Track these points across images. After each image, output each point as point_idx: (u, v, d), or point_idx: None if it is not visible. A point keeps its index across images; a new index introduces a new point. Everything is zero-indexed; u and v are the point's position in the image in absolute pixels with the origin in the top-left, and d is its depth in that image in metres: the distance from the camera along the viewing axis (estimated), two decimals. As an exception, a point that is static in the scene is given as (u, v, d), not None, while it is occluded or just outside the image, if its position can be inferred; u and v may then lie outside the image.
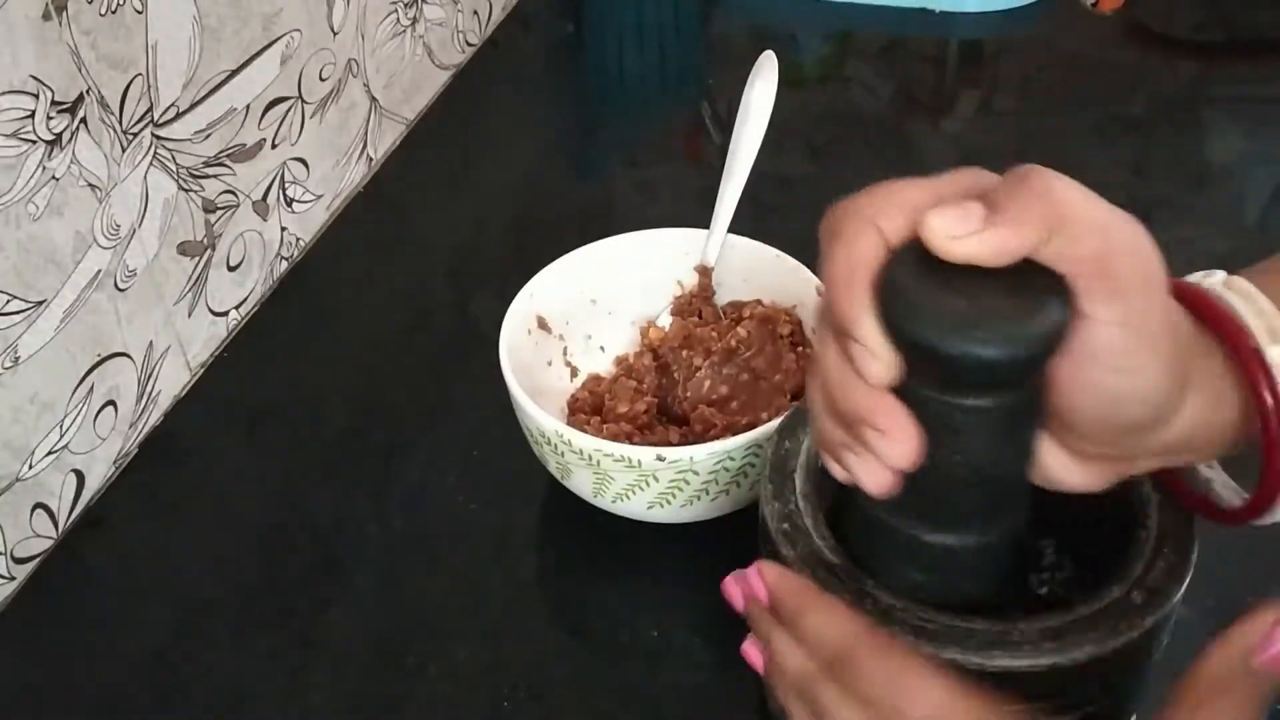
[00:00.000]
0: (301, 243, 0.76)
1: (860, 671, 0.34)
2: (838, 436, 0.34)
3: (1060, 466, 0.35)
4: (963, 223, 0.30)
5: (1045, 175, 0.31)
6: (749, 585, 0.39)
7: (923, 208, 0.31)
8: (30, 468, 0.57)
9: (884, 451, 0.32)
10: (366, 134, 0.81)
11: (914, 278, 0.31)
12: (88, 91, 0.55)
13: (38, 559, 0.58)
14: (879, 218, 0.32)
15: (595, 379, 0.62)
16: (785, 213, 0.76)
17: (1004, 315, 0.30)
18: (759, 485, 0.53)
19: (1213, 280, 0.36)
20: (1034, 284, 0.30)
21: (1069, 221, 0.30)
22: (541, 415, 0.52)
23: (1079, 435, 0.34)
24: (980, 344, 0.30)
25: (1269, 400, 0.34)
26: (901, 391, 0.32)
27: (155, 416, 0.65)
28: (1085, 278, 0.30)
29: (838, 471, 0.35)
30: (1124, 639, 0.35)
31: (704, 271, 0.62)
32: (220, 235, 0.67)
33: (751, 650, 0.40)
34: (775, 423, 0.51)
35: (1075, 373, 0.32)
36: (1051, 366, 0.32)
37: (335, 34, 0.74)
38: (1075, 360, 0.32)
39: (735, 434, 0.52)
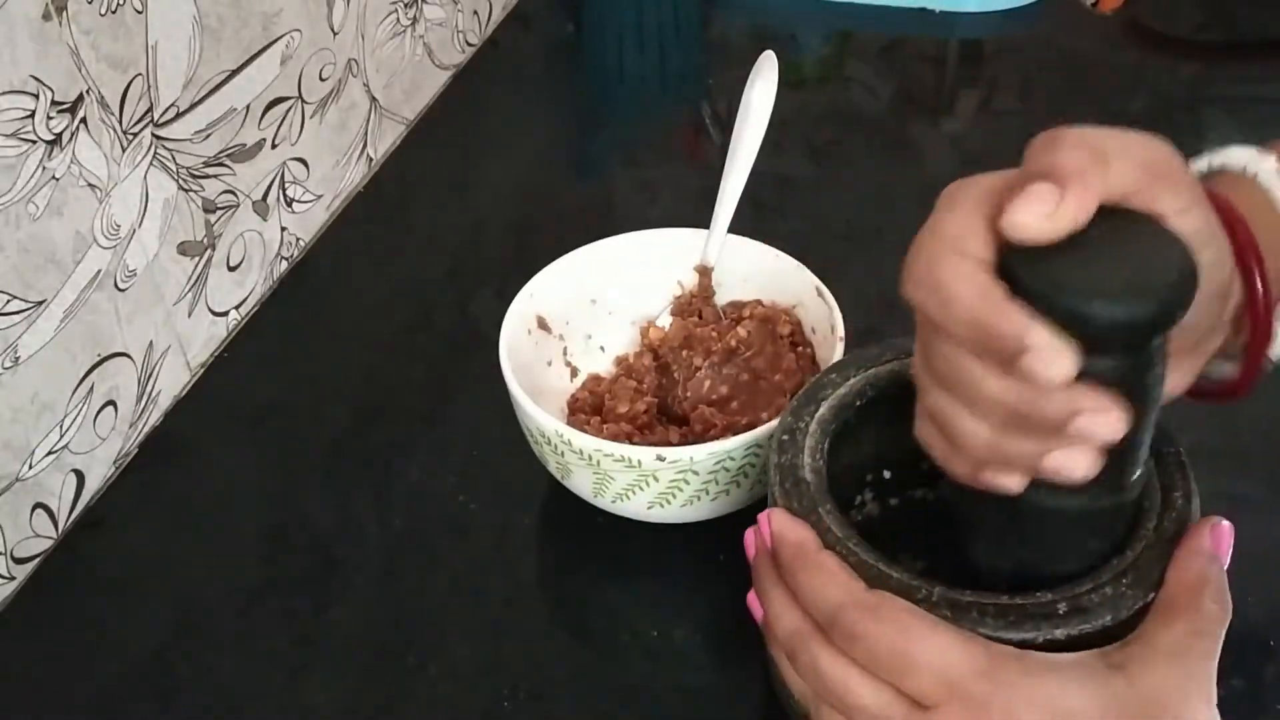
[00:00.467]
0: (301, 243, 0.76)
1: (858, 635, 0.35)
2: (1033, 448, 0.34)
3: None
4: (1041, 202, 0.31)
5: (1062, 130, 0.33)
6: (759, 532, 0.40)
7: (991, 216, 0.32)
8: (30, 468, 0.57)
9: (1101, 429, 0.32)
10: (366, 134, 0.81)
11: (1043, 267, 0.31)
12: (88, 91, 0.55)
13: (38, 559, 0.58)
14: (962, 246, 0.33)
15: (595, 379, 0.62)
16: (785, 213, 0.77)
17: (1153, 264, 0.32)
18: (760, 484, 0.53)
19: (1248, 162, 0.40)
20: (1132, 224, 0.32)
21: (1109, 151, 0.32)
22: (541, 415, 0.52)
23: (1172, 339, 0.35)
24: (1140, 301, 0.31)
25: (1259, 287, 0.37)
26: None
27: (155, 416, 0.65)
28: (1146, 187, 0.32)
29: (1012, 483, 0.35)
30: (1023, 636, 0.35)
31: (704, 271, 0.62)
32: (220, 235, 0.67)
33: (754, 601, 0.41)
34: (775, 422, 0.51)
35: None
36: None
37: (335, 34, 0.74)
38: None
39: (735, 434, 0.52)
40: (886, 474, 0.48)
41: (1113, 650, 0.35)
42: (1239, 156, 0.40)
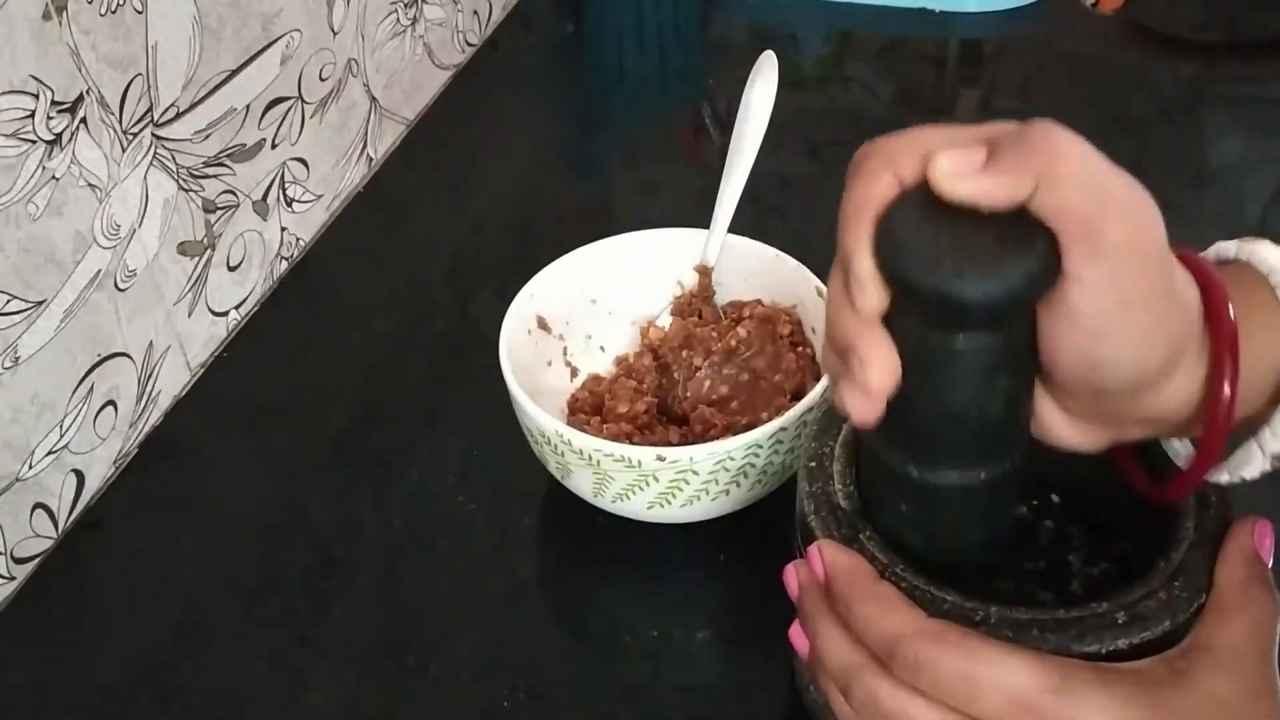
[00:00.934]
0: (301, 243, 0.76)
1: (922, 663, 0.34)
2: (834, 365, 0.35)
3: (1053, 421, 0.36)
4: (963, 164, 0.31)
5: (1050, 129, 0.31)
6: (808, 564, 0.39)
7: (938, 150, 0.32)
8: (30, 468, 0.57)
9: (863, 377, 0.33)
10: (366, 134, 0.81)
11: (911, 216, 0.32)
12: (88, 91, 0.55)
13: (38, 559, 0.58)
14: (896, 157, 0.33)
15: (595, 379, 0.62)
16: (785, 213, 0.77)
17: (981, 256, 0.31)
18: (760, 484, 0.53)
19: (1255, 247, 0.36)
20: (1023, 233, 0.31)
21: (1061, 176, 0.30)
22: (541, 415, 0.52)
23: (1064, 392, 0.35)
24: (952, 280, 0.31)
25: (1227, 366, 0.33)
26: (890, 324, 0.33)
27: (155, 416, 0.65)
28: (1069, 234, 0.30)
29: (834, 400, 0.36)
30: (1086, 650, 0.35)
31: (704, 271, 0.62)
32: (220, 235, 0.67)
33: (797, 635, 0.40)
34: (781, 419, 0.51)
35: (1055, 329, 0.32)
36: (1040, 319, 0.33)
37: (335, 34, 0.74)
38: (1055, 317, 0.32)
39: (735, 434, 0.52)
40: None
41: (1174, 657, 0.35)
42: (1268, 258, 0.36)
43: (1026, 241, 0.31)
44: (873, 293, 0.33)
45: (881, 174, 0.33)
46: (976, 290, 0.31)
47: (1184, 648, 0.35)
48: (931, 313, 0.32)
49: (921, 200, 0.32)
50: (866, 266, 0.32)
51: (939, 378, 0.34)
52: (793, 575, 0.40)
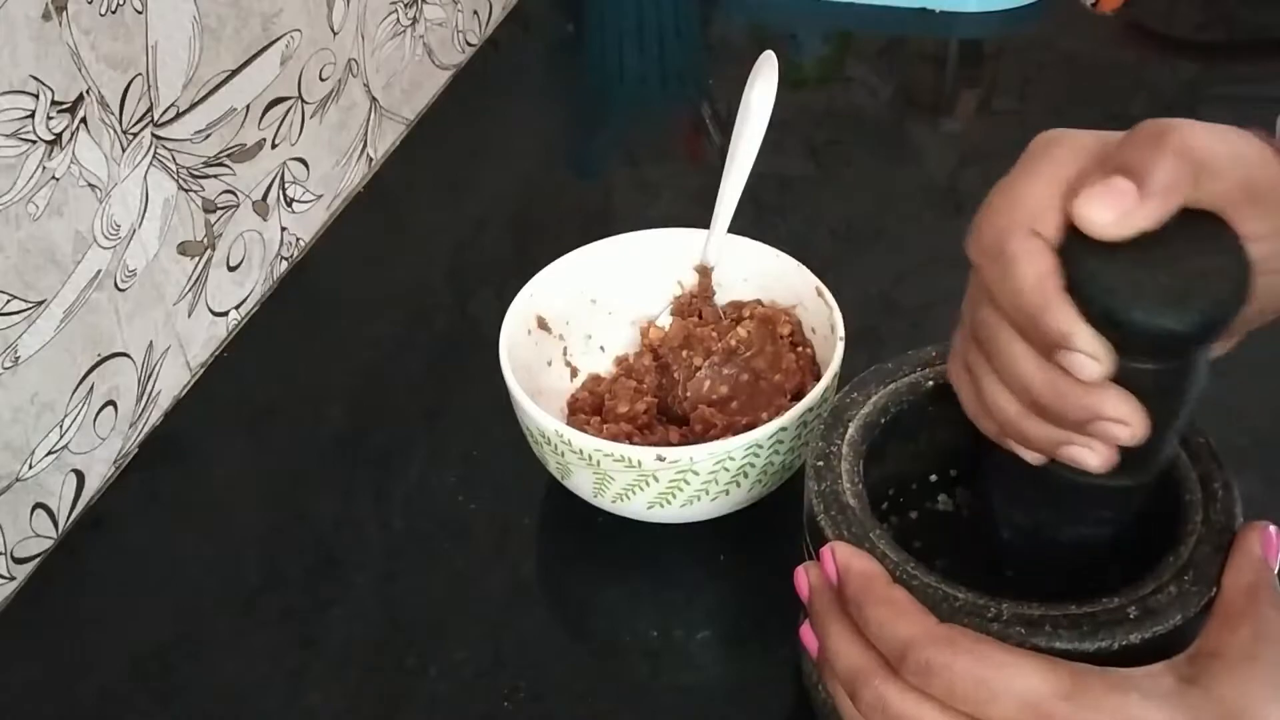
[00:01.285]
0: (301, 243, 0.76)
1: (934, 668, 0.34)
2: (1053, 435, 0.35)
3: None
4: (1117, 203, 0.31)
5: (1176, 128, 0.32)
6: (821, 566, 0.39)
7: (1068, 196, 0.32)
8: (30, 468, 0.57)
9: (1117, 436, 0.34)
10: (366, 134, 0.81)
11: (1097, 264, 0.31)
12: (88, 91, 0.55)
13: (38, 559, 0.58)
14: (1036, 224, 0.33)
15: (595, 379, 0.62)
16: (785, 213, 0.77)
17: (1206, 275, 0.31)
18: (760, 484, 0.53)
19: None
20: (1203, 231, 0.32)
21: (1210, 165, 0.31)
22: (541, 415, 0.52)
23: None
24: (1199, 310, 0.31)
25: None
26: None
27: (155, 416, 0.65)
28: (1236, 206, 0.32)
29: (1031, 457, 0.37)
30: (1099, 646, 0.35)
31: (704, 271, 0.62)
32: (220, 235, 0.67)
33: (808, 635, 0.40)
34: (781, 419, 0.51)
35: None
36: None
37: (335, 34, 0.74)
38: None
39: (735, 434, 0.52)
40: (914, 486, 0.48)
41: (1182, 663, 0.35)
42: None
43: (1217, 239, 0.32)
44: (1107, 359, 0.32)
45: (1033, 245, 0.32)
46: (1218, 311, 0.31)
47: (1192, 654, 0.35)
48: (1163, 345, 0.32)
49: (1089, 248, 0.31)
50: (1089, 338, 0.32)
51: (1170, 398, 0.34)
52: (803, 576, 0.40)
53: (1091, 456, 0.35)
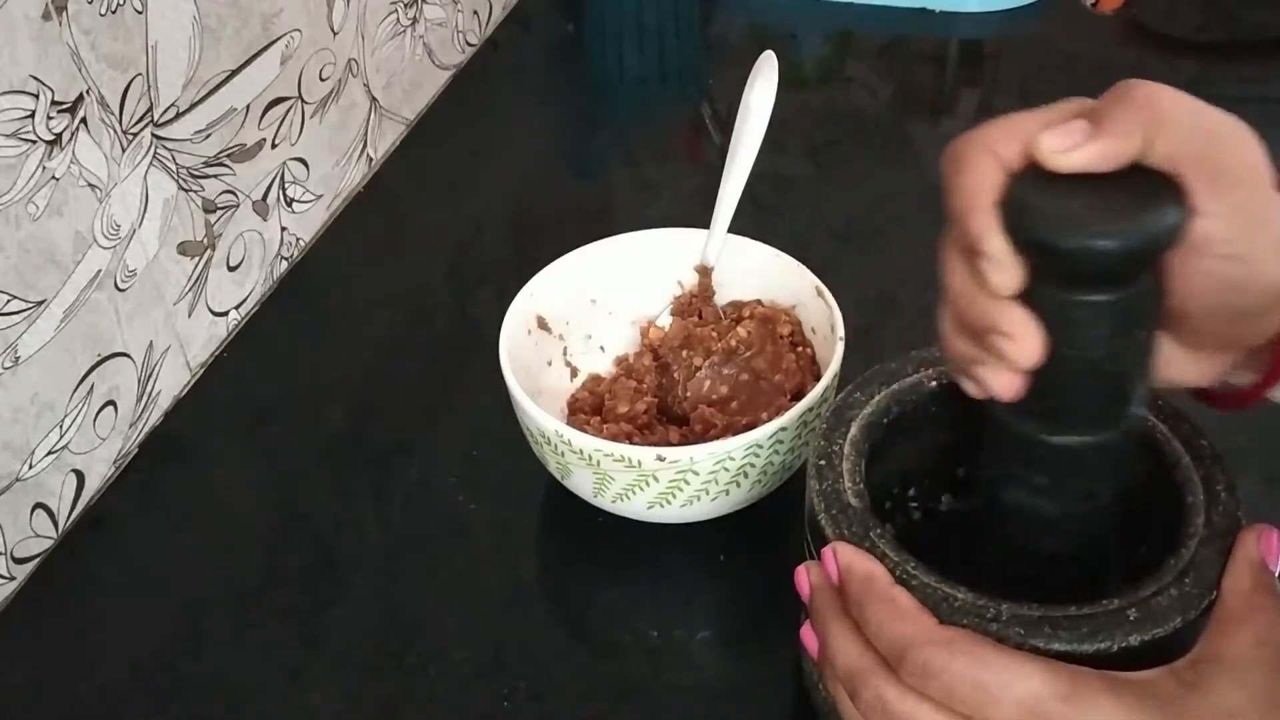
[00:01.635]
0: (301, 243, 0.76)
1: (932, 670, 0.34)
2: (968, 352, 0.36)
3: (1175, 361, 0.37)
4: (1070, 136, 0.33)
5: (1146, 85, 0.33)
6: (822, 566, 0.39)
7: (1035, 131, 0.33)
8: (30, 468, 0.57)
9: (1010, 353, 0.34)
10: (366, 134, 0.81)
11: (1033, 190, 0.33)
12: (88, 91, 0.55)
13: (38, 559, 0.58)
14: (996, 145, 0.34)
15: (595, 379, 0.62)
16: (785, 213, 0.77)
17: (1118, 211, 0.32)
18: (760, 484, 0.53)
19: None
20: (1148, 185, 0.33)
21: (1171, 124, 0.33)
22: (541, 415, 0.52)
23: (1194, 326, 0.36)
24: (1097, 237, 0.32)
25: None
26: (1024, 297, 0.34)
27: (155, 416, 0.65)
28: (1193, 174, 0.32)
29: (970, 387, 0.37)
30: (1097, 647, 0.35)
31: (704, 271, 0.62)
32: (220, 235, 0.67)
33: (808, 635, 0.40)
34: (781, 419, 0.51)
35: (1191, 264, 0.34)
36: (1167, 260, 0.34)
37: (335, 34, 0.74)
38: (1189, 251, 0.33)
39: (735, 434, 0.52)
40: (901, 486, 0.48)
41: (1181, 668, 0.34)
42: None
43: (1156, 191, 0.32)
44: (1011, 271, 0.33)
45: (985, 161, 0.34)
46: (1120, 241, 0.32)
47: (1191, 659, 0.35)
48: (1075, 275, 0.33)
49: (1035, 178, 0.33)
50: (1002, 246, 0.33)
51: (1079, 339, 0.34)
52: (804, 575, 0.40)
53: (992, 376, 0.35)
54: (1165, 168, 0.33)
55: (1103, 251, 0.32)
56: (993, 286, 0.34)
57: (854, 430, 0.43)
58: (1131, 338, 0.35)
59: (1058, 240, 0.32)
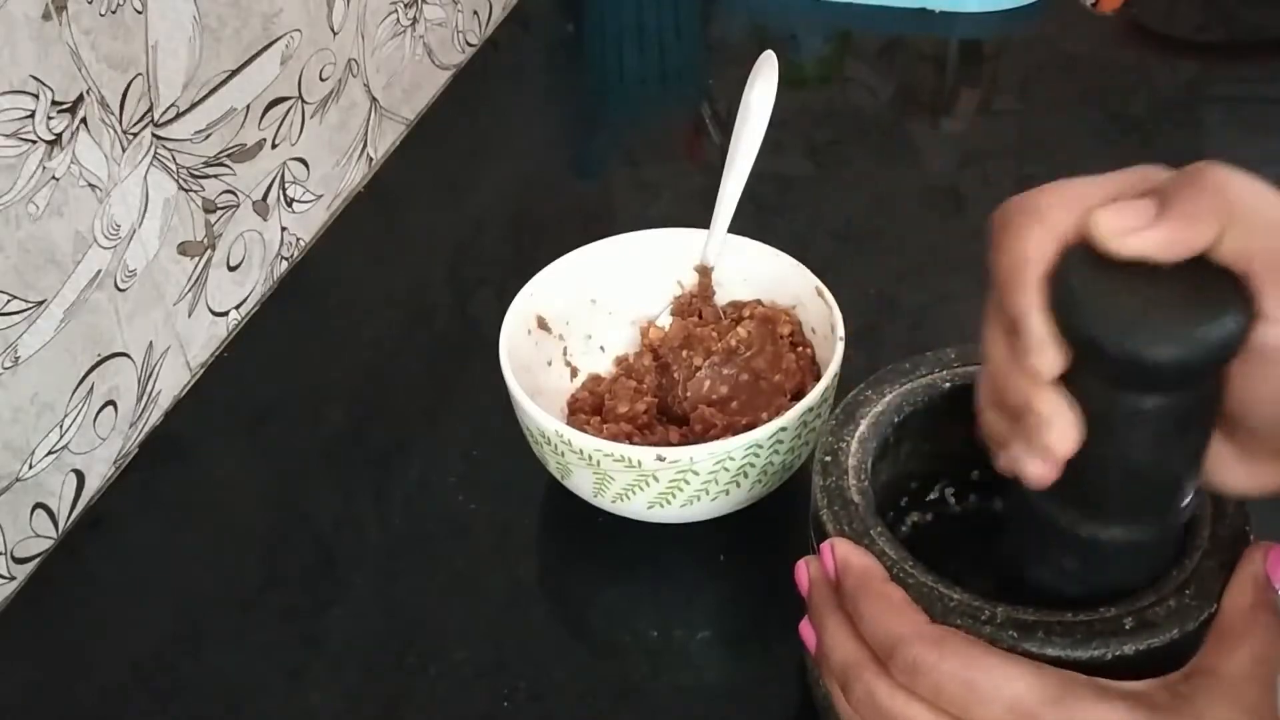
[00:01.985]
0: (301, 243, 0.76)
1: (921, 667, 0.34)
2: (1002, 428, 0.35)
3: (1228, 467, 0.35)
4: (1132, 218, 0.30)
5: (1220, 170, 0.30)
6: (820, 561, 0.39)
7: (1094, 205, 0.31)
8: (30, 468, 0.57)
9: (1043, 440, 0.32)
10: (366, 134, 0.81)
11: (1086, 274, 0.30)
12: (88, 91, 0.55)
13: (38, 559, 0.58)
14: (1049, 214, 0.31)
15: (595, 379, 0.62)
16: (785, 213, 0.77)
17: (1174, 316, 0.29)
18: (760, 484, 0.53)
19: None
20: (1211, 284, 0.29)
21: (1244, 218, 0.29)
22: (541, 415, 0.52)
23: (1253, 433, 0.33)
24: (1146, 344, 0.29)
25: None
26: (1067, 383, 0.32)
27: (155, 416, 0.65)
28: (1262, 275, 0.29)
29: (1000, 462, 0.36)
30: (1092, 654, 0.35)
31: (704, 271, 0.62)
32: (220, 235, 0.67)
33: (807, 630, 0.40)
34: (781, 420, 0.51)
35: (1252, 369, 0.31)
36: (1233, 364, 0.31)
37: (335, 34, 0.74)
38: (1252, 357, 0.31)
39: (735, 434, 0.52)
40: (914, 486, 0.48)
41: (1175, 681, 0.34)
42: None
43: (1219, 293, 0.29)
44: (1051, 355, 0.31)
45: (1034, 230, 0.31)
46: (1177, 353, 0.29)
47: (1186, 671, 0.34)
48: (1121, 376, 0.31)
49: (1088, 258, 0.30)
50: (1043, 328, 0.31)
51: (1123, 438, 0.32)
52: (803, 570, 0.40)
53: (1024, 460, 0.33)
54: (1233, 264, 0.29)
55: (1154, 361, 0.29)
56: (1030, 368, 0.32)
57: (862, 427, 0.43)
58: (1180, 443, 0.33)
59: (1104, 342, 0.30)
